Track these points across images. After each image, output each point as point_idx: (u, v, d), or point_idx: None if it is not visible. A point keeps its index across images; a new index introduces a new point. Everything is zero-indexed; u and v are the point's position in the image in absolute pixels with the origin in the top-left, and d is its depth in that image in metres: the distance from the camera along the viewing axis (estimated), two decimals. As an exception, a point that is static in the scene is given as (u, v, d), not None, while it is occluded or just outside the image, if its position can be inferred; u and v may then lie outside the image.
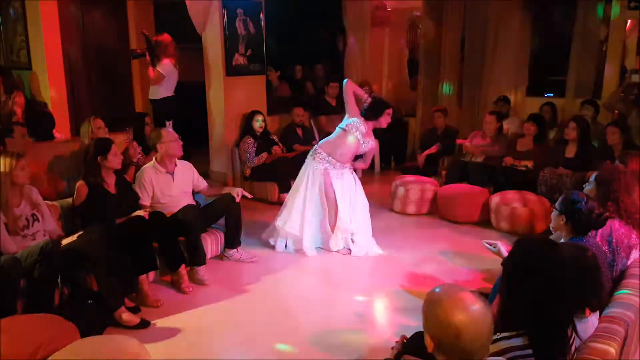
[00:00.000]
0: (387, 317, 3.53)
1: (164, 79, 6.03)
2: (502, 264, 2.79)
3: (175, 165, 4.25)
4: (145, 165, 4.22)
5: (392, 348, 2.60)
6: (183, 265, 3.93)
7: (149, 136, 4.48)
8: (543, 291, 1.82)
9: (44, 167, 4.50)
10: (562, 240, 2.72)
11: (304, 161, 4.72)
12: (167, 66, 6.00)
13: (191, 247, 3.98)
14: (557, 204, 2.74)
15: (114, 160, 3.78)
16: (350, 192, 4.64)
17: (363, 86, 5.88)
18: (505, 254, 2.84)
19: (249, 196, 4.52)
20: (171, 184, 4.18)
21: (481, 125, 6.17)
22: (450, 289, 1.64)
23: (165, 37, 6.07)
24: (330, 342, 3.24)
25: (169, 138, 4.17)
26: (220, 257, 4.45)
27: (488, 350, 1.58)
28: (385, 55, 8.74)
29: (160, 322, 3.45)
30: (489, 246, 2.97)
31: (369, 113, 4.55)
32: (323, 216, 4.62)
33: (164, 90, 6.11)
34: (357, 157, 4.77)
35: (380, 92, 8.19)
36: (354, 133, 4.48)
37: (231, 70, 6.38)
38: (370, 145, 4.62)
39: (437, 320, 1.53)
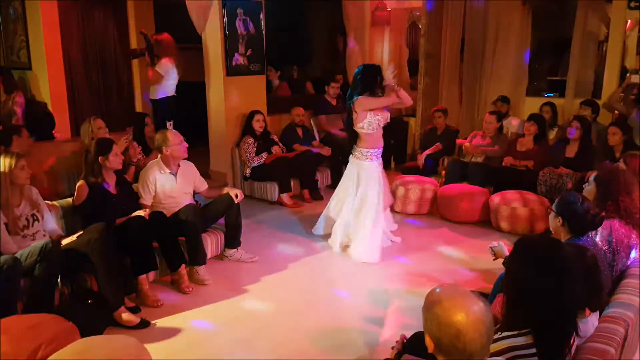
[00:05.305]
0: (387, 317, 3.53)
1: (162, 78, 6.04)
2: (503, 263, 2.81)
3: (179, 166, 4.25)
4: (151, 163, 4.21)
5: (392, 348, 2.60)
6: (183, 265, 3.93)
7: (153, 137, 4.47)
8: (545, 290, 1.82)
9: (44, 167, 4.50)
10: (560, 241, 2.72)
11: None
12: (165, 65, 6.02)
13: (191, 247, 3.99)
14: (553, 206, 2.74)
15: (115, 160, 3.78)
16: None
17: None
18: (507, 253, 2.84)
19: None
20: (173, 185, 4.18)
21: (481, 125, 6.17)
22: (450, 289, 1.64)
23: (165, 37, 6.08)
24: (330, 342, 3.24)
25: (175, 141, 4.15)
26: (220, 257, 4.45)
27: (488, 351, 1.58)
28: (385, 55, 8.74)
29: (160, 322, 3.45)
30: (494, 246, 2.96)
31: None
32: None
33: (164, 90, 6.13)
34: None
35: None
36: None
37: (231, 70, 6.37)
38: None
39: (437, 321, 1.53)
